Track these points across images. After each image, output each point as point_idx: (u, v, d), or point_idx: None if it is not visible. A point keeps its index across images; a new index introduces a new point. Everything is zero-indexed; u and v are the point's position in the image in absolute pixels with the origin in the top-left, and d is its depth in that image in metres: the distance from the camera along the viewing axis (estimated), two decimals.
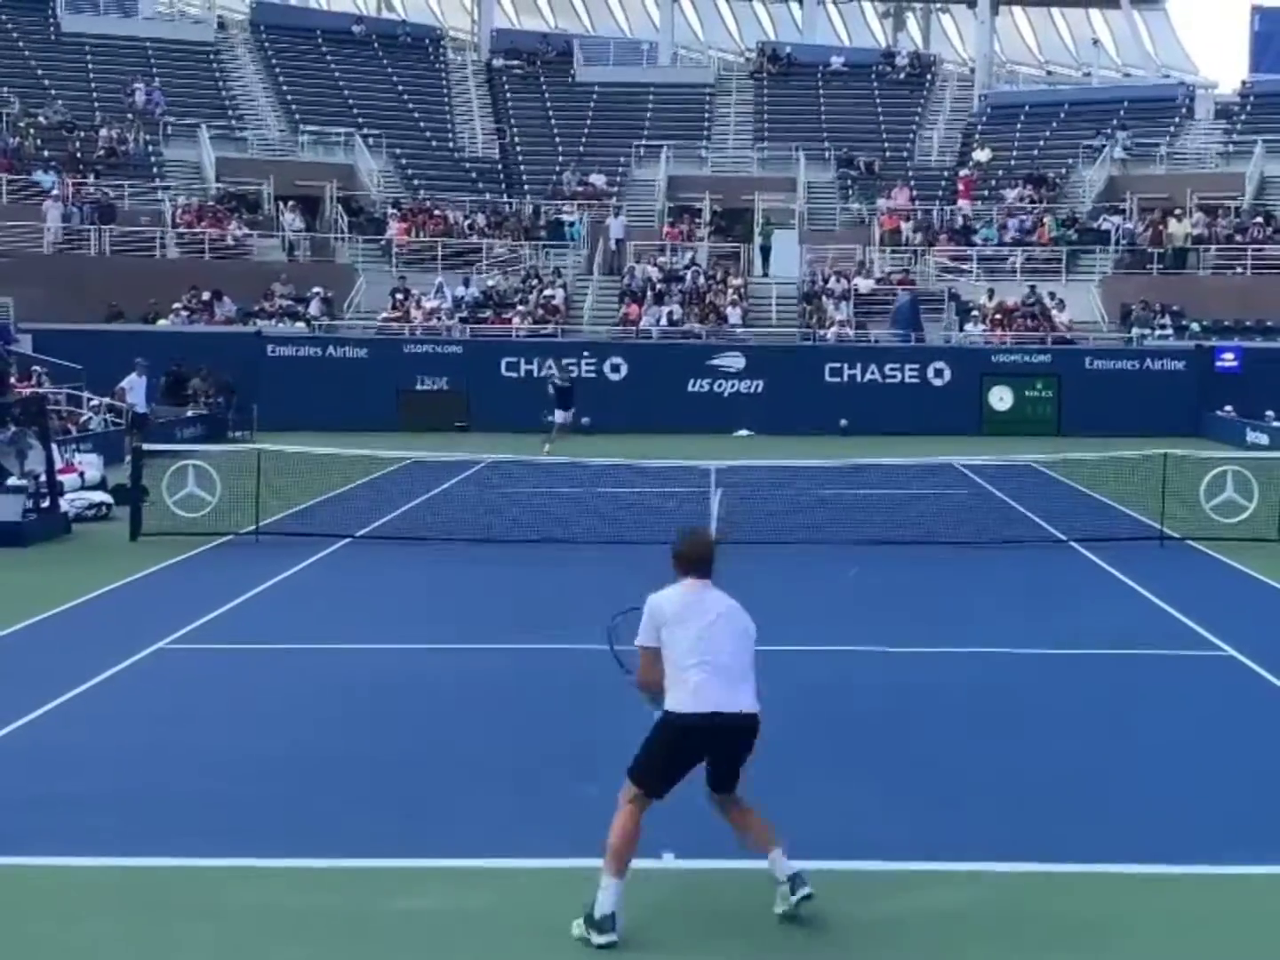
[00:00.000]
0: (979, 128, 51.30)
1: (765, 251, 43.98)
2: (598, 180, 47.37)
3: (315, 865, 7.94)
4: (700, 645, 6.98)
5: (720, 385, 37.79)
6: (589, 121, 50.87)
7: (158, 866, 7.91)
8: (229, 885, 7.67)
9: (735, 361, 37.94)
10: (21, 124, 44.09)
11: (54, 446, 21.32)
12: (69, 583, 16.02)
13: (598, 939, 6.77)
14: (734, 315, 40.60)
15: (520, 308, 40.61)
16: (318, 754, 10.00)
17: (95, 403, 30.64)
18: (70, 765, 9.70)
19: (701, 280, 42.19)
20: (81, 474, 23.34)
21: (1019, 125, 50.84)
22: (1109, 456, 23.69)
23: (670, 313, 40.46)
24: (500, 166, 49.13)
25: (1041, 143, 49.84)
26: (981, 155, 49.17)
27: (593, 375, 37.55)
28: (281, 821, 8.66)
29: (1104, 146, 47.53)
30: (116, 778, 9.47)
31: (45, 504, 19.94)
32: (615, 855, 6.92)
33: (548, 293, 41.15)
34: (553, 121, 51.07)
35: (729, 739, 6.99)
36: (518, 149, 49.88)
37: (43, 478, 19.99)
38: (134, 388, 30.03)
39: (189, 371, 34.34)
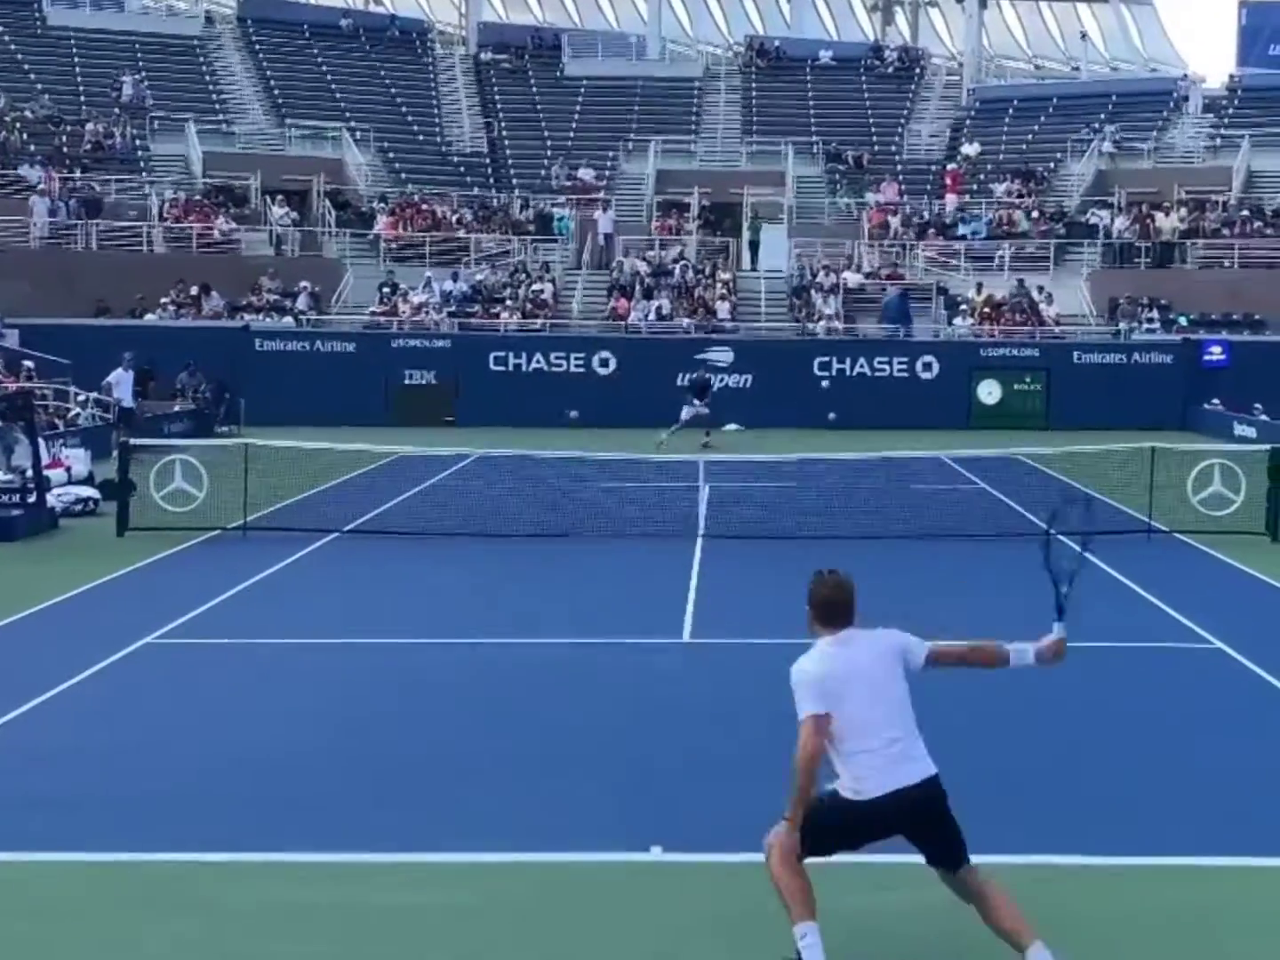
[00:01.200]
0: (967, 122, 51.33)
1: (754, 246, 43.99)
2: (586, 174, 47.32)
3: (306, 860, 7.92)
4: (873, 715, 6.45)
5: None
6: (577, 115, 50.81)
7: (146, 862, 7.89)
8: (220, 881, 7.65)
9: (724, 356, 37.94)
10: (7, 118, 43.94)
11: (41, 441, 21.29)
12: (56, 578, 15.99)
13: None
14: (723, 309, 40.58)
15: (509, 302, 40.57)
16: (307, 749, 9.98)
17: (82, 397, 30.56)
18: (57, 761, 9.66)
19: (690, 274, 42.17)
20: (68, 469, 23.30)
21: (1007, 120, 50.88)
22: (1097, 450, 23.71)
23: (659, 307, 40.43)
24: (488, 161, 49.06)
25: (1030, 137, 49.87)
26: (970, 149, 49.20)
27: (581, 370, 37.58)
28: (272, 817, 8.63)
29: (1092, 141, 47.59)
30: (104, 774, 9.44)
31: (32, 499, 19.90)
32: (798, 897, 6.35)
33: (536, 287, 41.11)
34: (541, 115, 51.00)
35: (918, 813, 6.40)
36: (506, 143, 49.82)
37: (29, 473, 19.96)
38: (121, 383, 29.95)
39: (181, 370, 34.22)
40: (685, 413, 31.82)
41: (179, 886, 7.57)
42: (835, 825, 6.37)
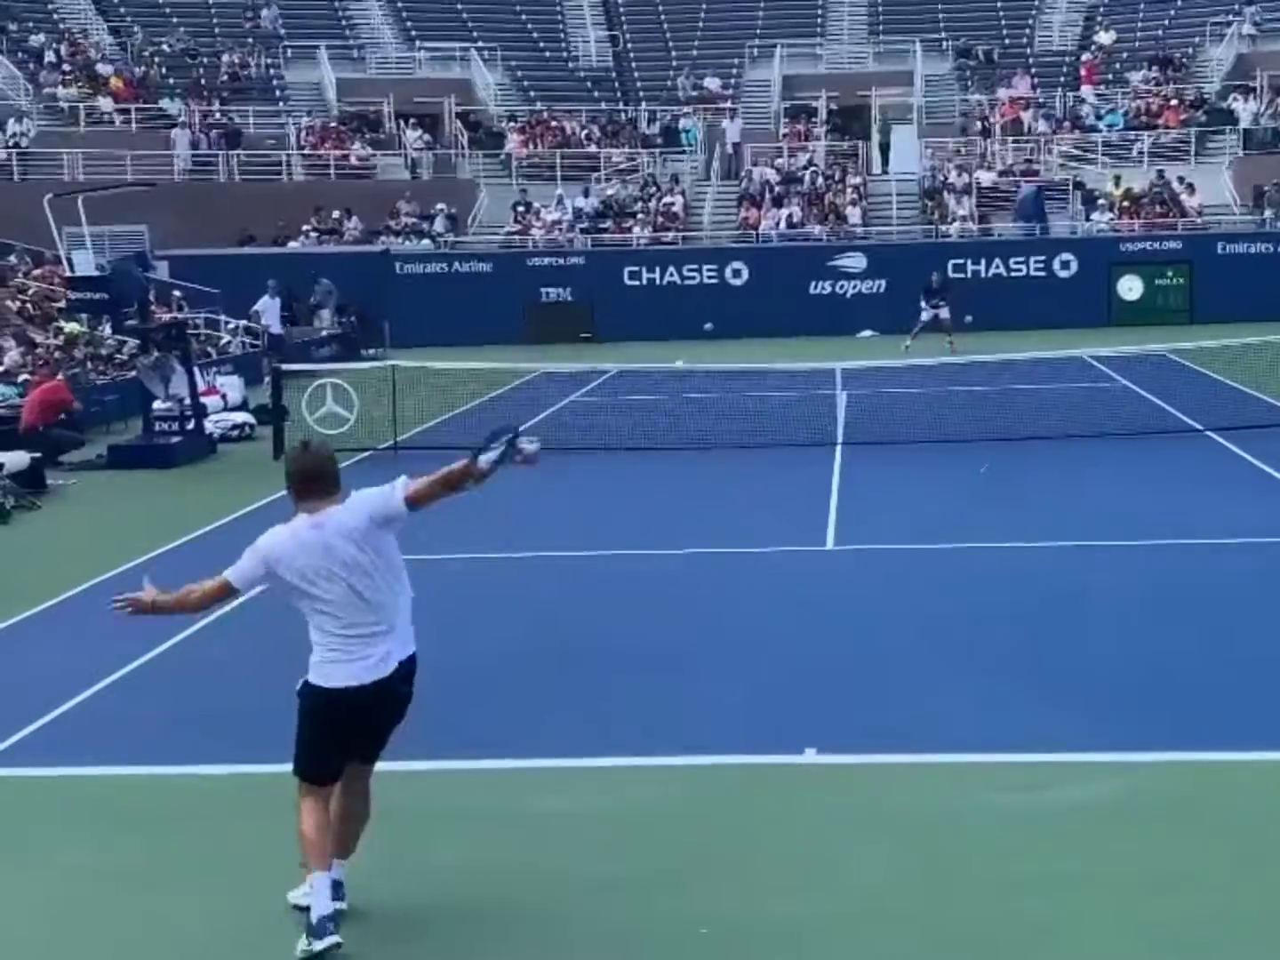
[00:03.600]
0: (1100, 9, 49.90)
1: (884, 148, 43.49)
2: (712, 84, 47.02)
3: (462, 767, 8.21)
4: (335, 601, 6.09)
5: (842, 286, 37.60)
6: (701, 23, 50.34)
7: None
8: (381, 788, 7.99)
9: (856, 262, 37.70)
10: (145, 53, 44.83)
11: (195, 370, 21.98)
12: (218, 502, 16.56)
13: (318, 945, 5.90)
14: (854, 215, 40.28)
15: (640, 216, 40.68)
16: (462, 659, 10.18)
17: (232, 326, 31.39)
18: (222, 679, 10.10)
19: (820, 181, 41.87)
20: (224, 396, 24.00)
21: (1142, 4, 49.32)
22: (1245, 343, 23.26)
23: (790, 215, 40.25)
24: (614, 74, 48.95)
25: (1166, 22, 48.40)
26: (1104, 38, 47.92)
27: (714, 281, 37.64)
28: (429, 726, 8.70)
29: (1231, 23, 46.07)
30: (265, 690, 9.66)
31: (190, 426, 20.62)
32: (310, 850, 6.10)
33: (667, 200, 41.14)
34: (665, 25, 50.61)
35: (382, 706, 6.24)
36: (631, 55, 49.61)
37: (187, 401, 20.66)
38: (268, 310, 30.75)
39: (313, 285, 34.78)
40: (925, 315, 31.51)
41: None
42: (315, 718, 6.15)
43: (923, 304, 31.74)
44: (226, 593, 6.24)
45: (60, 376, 22.62)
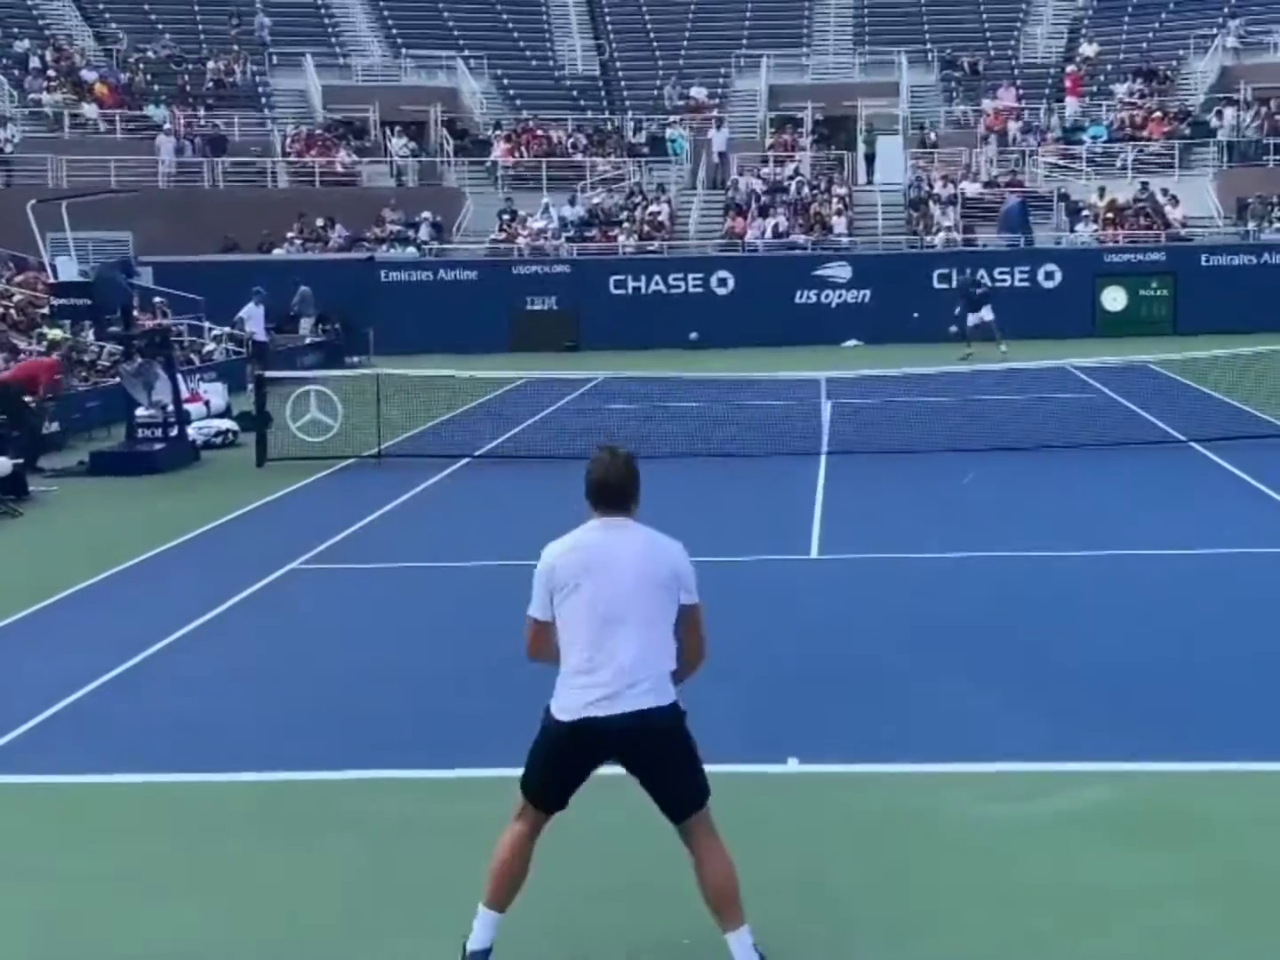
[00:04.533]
0: (1085, 21, 50.12)
1: (869, 159, 43.57)
2: (699, 93, 47.10)
3: (453, 776, 8.11)
4: (592, 625, 5.61)
5: (827, 296, 37.65)
6: (688, 33, 50.45)
7: (300, 781, 8.16)
8: (371, 797, 7.88)
9: (842, 271, 37.75)
10: (131, 59, 44.76)
11: (179, 377, 21.91)
12: (201, 508, 16.53)
13: None
14: (839, 225, 40.33)
15: (626, 225, 40.68)
16: (451, 667, 10.27)
17: (216, 333, 31.30)
18: (211, 683, 10.00)
19: (805, 190, 41.93)
20: (207, 403, 23.95)
21: (1127, 17, 49.59)
22: (1228, 354, 23.32)
23: (775, 225, 40.30)
24: (601, 83, 48.98)
25: (1151, 35, 48.63)
26: (1089, 50, 48.11)
27: (700, 290, 37.68)
28: (419, 734, 8.87)
29: (1216, 36, 46.29)
30: (257, 695, 9.75)
31: (174, 433, 20.55)
32: (491, 878, 5.80)
33: (652, 209, 41.16)
34: (651, 34, 50.71)
35: (624, 748, 5.67)
36: (617, 64, 49.66)
37: (170, 407, 20.59)
38: (252, 317, 30.68)
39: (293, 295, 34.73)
40: (987, 314, 32.10)
41: (330, 803, 7.80)
42: (541, 748, 5.75)
43: (968, 313, 32.28)
44: (543, 632, 5.77)
45: (56, 358, 22.82)
